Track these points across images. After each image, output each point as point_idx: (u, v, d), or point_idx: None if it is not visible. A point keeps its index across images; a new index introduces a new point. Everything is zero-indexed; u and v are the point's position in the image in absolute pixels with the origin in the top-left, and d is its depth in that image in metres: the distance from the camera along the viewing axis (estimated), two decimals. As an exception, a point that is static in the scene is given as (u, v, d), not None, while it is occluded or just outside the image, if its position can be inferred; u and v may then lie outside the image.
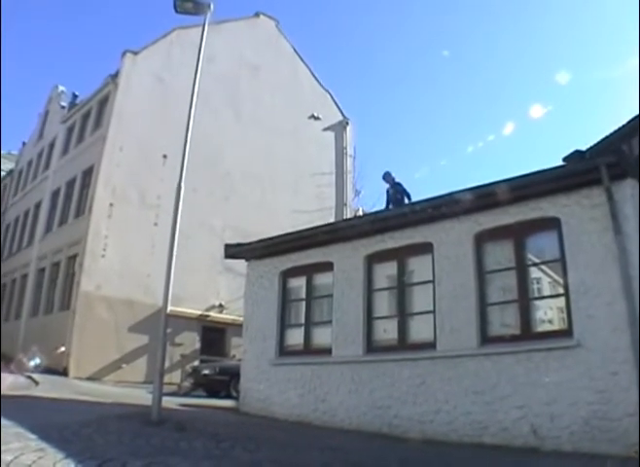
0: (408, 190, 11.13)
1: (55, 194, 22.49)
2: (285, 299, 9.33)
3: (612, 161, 6.06)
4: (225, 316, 19.18)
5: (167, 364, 12.52)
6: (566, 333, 6.20)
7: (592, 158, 6.96)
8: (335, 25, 62.45)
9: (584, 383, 5.83)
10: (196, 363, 17.02)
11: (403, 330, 7.70)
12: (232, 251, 10.10)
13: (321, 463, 5.06)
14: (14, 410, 6.18)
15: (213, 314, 19.44)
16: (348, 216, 22.33)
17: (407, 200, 10.83)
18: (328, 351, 8.33)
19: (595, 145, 8.85)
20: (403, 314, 7.76)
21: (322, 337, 8.61)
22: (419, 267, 7.88)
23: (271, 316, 9.20)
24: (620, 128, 8.85)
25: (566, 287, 6.32)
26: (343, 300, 8.34)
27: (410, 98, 60.02)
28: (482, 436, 6.38)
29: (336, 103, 25.80)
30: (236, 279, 15.50)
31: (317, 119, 24.52)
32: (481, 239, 7.17)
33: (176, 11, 8.22)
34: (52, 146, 25.04)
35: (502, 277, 6.98)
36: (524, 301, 6.64)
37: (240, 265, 10.83)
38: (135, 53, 20.48)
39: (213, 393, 13.35)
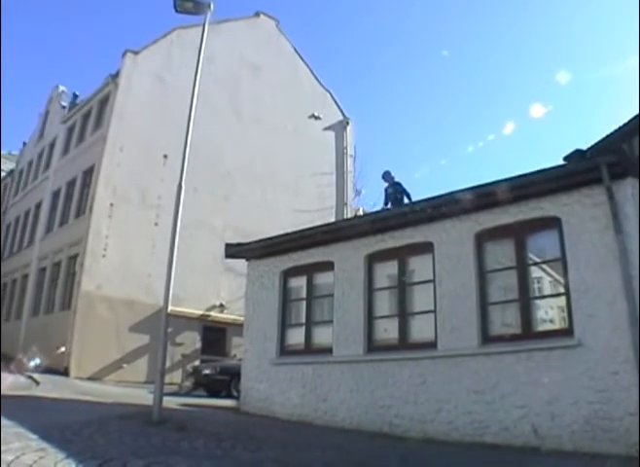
0: (409, 189, 11.15)
1: (56, 194, 22.49)
2: (286, 298, 9.33)
3: (612, 160, 6.06)
4: (225, 316, 19.18)
5: (168, 364, 12.49)
6: (567, 332, 6.20)
7: (593, 157, 6.96)
8: (335, 25, 62.47)
9: (584, 383, 5.83)
10: (197, 363, 17.02)
11: (403, 329, 7.70)
12: (233, 251, 10.11)
13: (322, 463, 5.07)
14: (14, 409, 6.18)
15: (214, 314, 19.43)
16: (349, 216, 22.33)
17: (406, 200, 10.84)
18: (329, 351, 8.33)
19: (596, 144, 8.83)
20: (403, 314, 7.76)
21: (323, 336, 8.61)
22: (420, 266, 7.88)
23: (272, 316, 9.20)
24: (620, 128, 8.83)
25: (567, 286, 6.32)
26: (344, 299, 8.34)
27: (410, 98, 60.06)
28: (483, 435, 6.38)
29: (336, 103, 25.79)
30: (237, 279, 15.52)
31: (317, 118, 24.50)
32: (482, 239, 7.17)
33: (176, 10, 8.22)
34: (52, 146, 25.04)
35: (503, 277, 6.98)
36: (525, 300, 6.63)
37: (241, 264, 10.83)
38: (136, 53, 20.47)
39: (214, 393, 13.34)
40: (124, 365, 17.12)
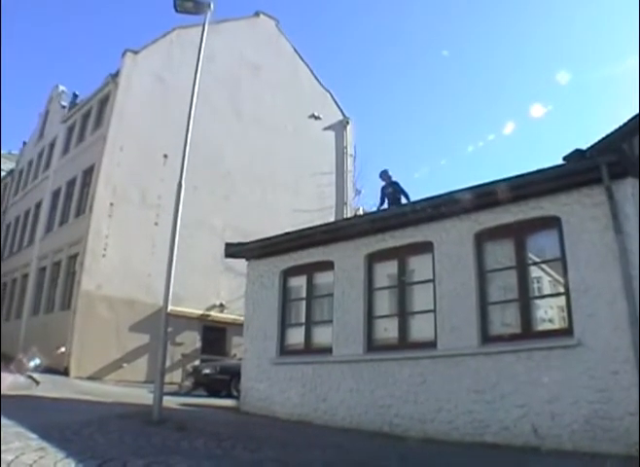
0: (409, 189, 11.12)
1: (56, 193, 22.48)
2: (286, 298, 9.33)
3: (612, 159, 6.06)
4: (225, 316, 19.18)
5: (168, 363, 12.50)
6: (567, 332, 6.20)
7: (593, 156, 6.95)
8: (335, 25, 62.46)
9: (584, 382, 5.84)
10: (197, 362, 17.02)
11: (403, 329, 7.70)
12: (233, 250, 10.11)
13: (322, 462, 5.07)
14: (14, 409, 6.18)
15: (214, 314, 19.43)
16: (349, 215, 22.32)
17: (404, 199, 10.83)
18: (329, 350, 8.33)
19: (596, 144, 8.81)
20: (403, 313, 7.76)
21: (323, 336, 8.61)
22: (420, 266, 7.88)
23: (272, 315, 9.20)
24: (620, 127, 8.81)
25: (567, 286, 6.32)
26: (344, 299, 8.34)
27: (410, 98, 60.04)
28: (484, 435, 6.38)
29: (336, 102, 25.77)
30: (237, 279, 15.52)
31: (317, 118, 24.49)
32: (482, 238, 7.17)
33: (176, 10, 8.21)
34: (52, 146, 25.03)
35: (502, 276, 6.98)
36: (525, 300, 6.63)
37: (241, 264, 10.83)
38: (136, 53, 20.46)
39: (214, 392, 13.34)
40: (124, 364, 17.12)
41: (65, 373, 15.86)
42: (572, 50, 56.69)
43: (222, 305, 19.51)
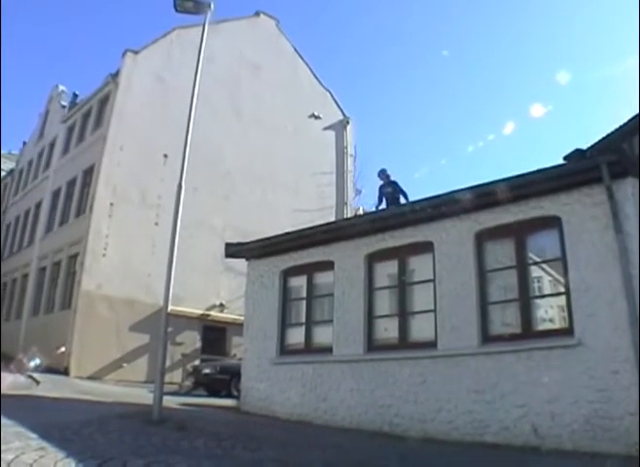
0: (409, 189, 11.18)
1: (56, 193, 22.48)
2: (286, 298, 9.33)
3: (612, 159, 6.06)
4: (225, 315, 19.18)
5: (168, 363, 12.49)
6: (567, 331, 6.20)
7: (593, 156, 6.95)
8: (335, 25, 62.46)
9: (584, 382, 5.83)
10: (197, 362, 17.02)
11: (404, 329, 7.70)
12: (233, 250, 10.10)
13: (322, 462, 5.07)
14: (14, 409, 6.18)
15: (214, 313, 19.43)
16: (349, 215, 22.32)
17: (403, 199, 10.84)
18: (329, 350, 8.33)
19: (596, 144, 8.81)
20: (404, 313, 7.76)
21: (323, 336, 8.60)
22: (420, 265, 7.88)
23: (272, 315, 9.20)
24: (620, 127, 8.81)
25: (567, 286, 6.32)
26: (344, 299, 8.34)
27: (410, 98, 60.04)
28: (484, 435, 6.38)
29: (336, 102, 25.77)
30: (237, 279, 15.52)
31: (317, 118, 24.49)
32: (482, 238, 7.16)
33: (176, 10, 8.21)
34: (52, 145, 25.03)
35: (503, 276, 6.98)
36: (525, 299, 6.63)
37: (241, 264, 10.82)
38: (136, 53, 20.46)
39: (214, 392, 13.34)
40: (124, 364, 17.12)
41: (65, 372, 15.86)
42: (572, 50, 56.76)
43: (222, 305, 19.51)
